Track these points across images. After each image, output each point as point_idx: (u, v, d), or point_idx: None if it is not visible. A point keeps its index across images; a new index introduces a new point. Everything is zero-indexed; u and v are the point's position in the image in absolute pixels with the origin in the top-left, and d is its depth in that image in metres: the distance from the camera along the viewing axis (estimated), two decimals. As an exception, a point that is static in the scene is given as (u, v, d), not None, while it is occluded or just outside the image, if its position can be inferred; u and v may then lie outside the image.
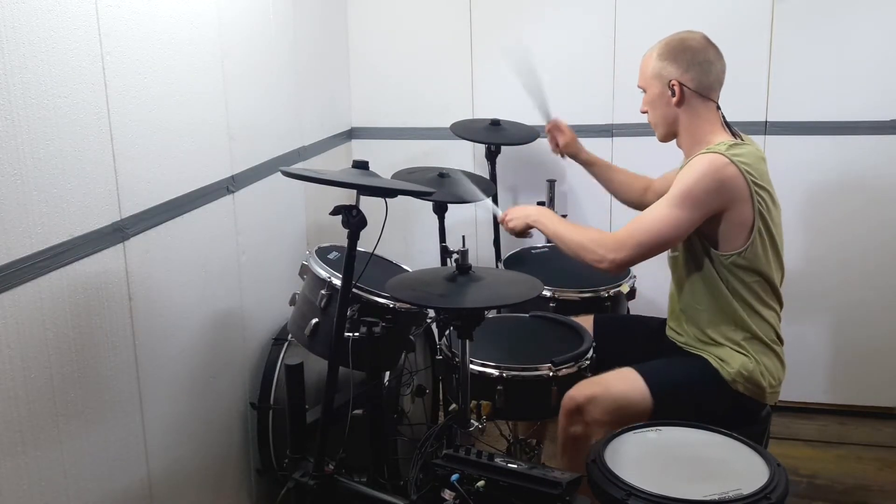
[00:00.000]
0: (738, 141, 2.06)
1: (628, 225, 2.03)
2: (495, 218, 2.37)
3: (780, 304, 2.11)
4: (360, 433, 2.11)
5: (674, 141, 2.16)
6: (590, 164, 2.66)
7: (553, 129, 2.72)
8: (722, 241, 2.01)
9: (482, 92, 3.30)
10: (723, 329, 2.06)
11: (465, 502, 1.62)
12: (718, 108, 2.10)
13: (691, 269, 2.10)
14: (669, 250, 2.13)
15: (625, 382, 2.02)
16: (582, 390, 2.01)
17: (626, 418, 1.88)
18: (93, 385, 1.76)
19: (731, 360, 2.04)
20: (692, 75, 2.05)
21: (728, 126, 2.11)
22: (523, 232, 2.25)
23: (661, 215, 1.97)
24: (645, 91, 2.15)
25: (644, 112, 2.18)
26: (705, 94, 2.06)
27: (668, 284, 2.25)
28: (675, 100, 2.07)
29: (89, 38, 1.72)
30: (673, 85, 2.06)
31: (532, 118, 3.15)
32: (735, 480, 1.60)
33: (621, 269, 2.04)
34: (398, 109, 3.39)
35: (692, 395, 2.01)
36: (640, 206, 2.52)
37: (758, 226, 1.98)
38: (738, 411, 2.04)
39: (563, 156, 2.75)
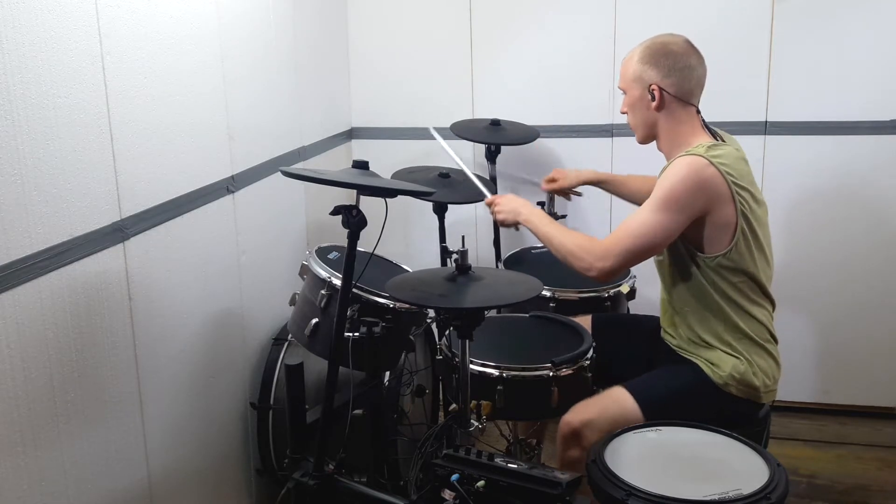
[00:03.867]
0: (718, 142, 2.06)
1: (614, 232, 2.03)
2: (490, 212, 2.35)
3: (772, 302, 2.11)
4: (360, 433, 2.11)
5: (654, 143, 2.16)
6: (602, 183, 2.65)
7: (550, 184, 2.70)
8: (706, 243, 2.00)
9: (482, 92, 3.30)
10: (713, 330, 2.06)
11: (465, 502, 1.62)
12: (698, 111, 2.10)
13: (677, 272, 2.10)
14: (655, 255, 2.13)
15: (618, 404, 2.02)
16: (577, 416, 2.01)
17: None
18: (93, 385, 1.77)
19: (721, 364, 2.04)
20: (672, 80, 2.05)
21: (707, 128, 2.11)
22: (510, 226, 2.25)
23: (645, 221, 1.97)
24: (625, 93, 2.15)
25: (624, 113, 2.18)
26: (685, 98, 2.06)
27: (667, 284, 2.25)
28: (654, 104, 2.06)
29: (89, 38, 1.72)
30: (653, 89, 2.06)
31: (532, 118, 3.16)
32: (735, 480, 1.60)
33: (609, 277, 2.02)
34: (398, 109, 3.39)
35: (686, 405, 2.00)
36: None
37: (741, 226, 1.97)
38: (735, 414, 2.03)
39: (567, 198, 2.74)
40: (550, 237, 2.11)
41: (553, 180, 2.70)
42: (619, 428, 1.83)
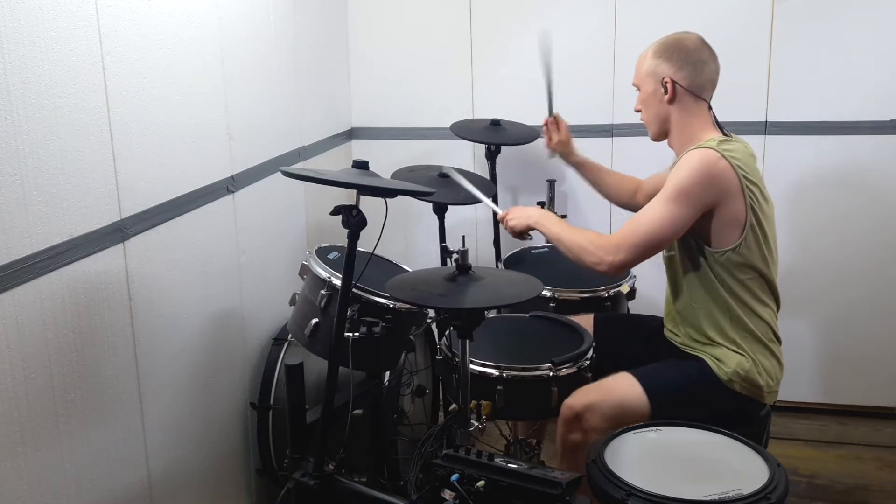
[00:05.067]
0: (729, 138, 2.07)
1: (625, 226, 2.04)
2: (495, 216, 2.37)
3: (777, 302, 2.12)
4: (360, 433, 2.11)
5: (667, 141, 2.17)
6: (580, 166, 2.67)
7: (550, 125, 2.71)
8: (715, 237, 2.01)
9: (482, 92, 3.30)
10: (719, 327, 2.06)
11: (465, 502, 1.62)
12: (710, 108, 2.11)
13: (686, 267, 2.10)
14: (664, 250, 2.13)
15: (622, 388, 2.02)
16: (580, 398, 2.01)
17: (624, 424, 1.87)
18: (93, 385, 1.77)
19: (727, 360, 2.04)
20: (685, 74, 2.06)
21: (719, 125, 2.12)
22: (523, 233, 2.25)
23: (656, 214, 1.98)
24: (639, 89, 2.17)
25: (638, 111, 2.20)
26: (697, 93, 2.08)
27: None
28: (667, 97, 2.08)
29: (89, 38, 1.72)
30: (666, 82, 2.07)
31: (532, 118, 3.15)
32: (735, 480, 1.60)
33: (620, 270, 2.04)
34: (398, 109, 3.39)
35: (690, 397, 2.02)
36: (630, 207, 2.55)
37: (750, 221, 1.98)
38: (737, 412, 2.04)
39: (551, 154, 2.74)
40: (560, 236, 2.12)
41: (555, 126, 2.69)
42: (622, 412, 1.83)
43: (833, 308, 3.16)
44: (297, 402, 2.03)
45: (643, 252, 2.00)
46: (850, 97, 2.98)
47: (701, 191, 1.95)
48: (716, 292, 2.04)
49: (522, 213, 2.24)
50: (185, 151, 2.10)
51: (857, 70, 2.96)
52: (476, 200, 2.48)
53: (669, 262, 2.18)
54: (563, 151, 2.69)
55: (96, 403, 1.78)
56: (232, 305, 2.39)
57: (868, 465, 2.91)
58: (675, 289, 2.17)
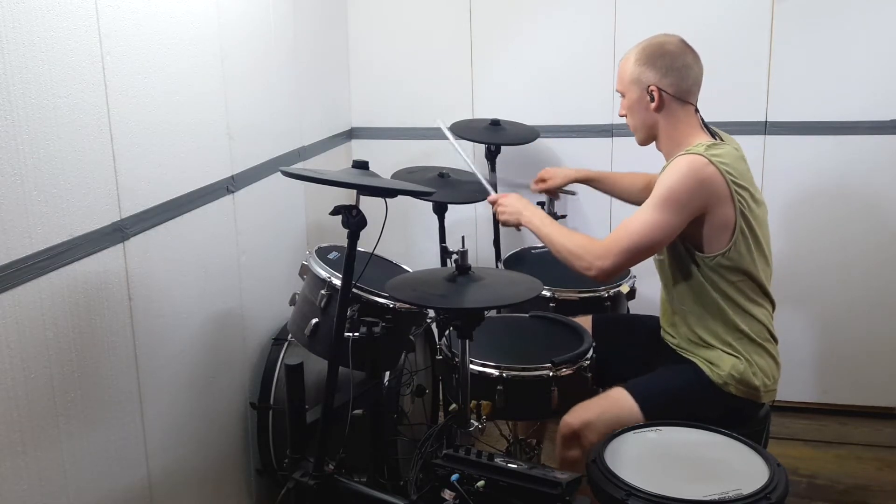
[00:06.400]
0: (717, 141, 2.06)
1: (614, 231, 2.04)
2: (493, 210, 2.35)
3: (772, 302, 2.11)
4: (360, 433, 2.11)
5: (654, 144, 2.17)
6: (590, 182, 2.65)
7: (540, 185, 2.69)
8: (705, 243, 2.01)
9: (482, 92, 3.30)
10: (713, 330, 2.06)
11: (465, 502, 1.62)
12: (697, 110, 2.11)
13: (677, 271, 2.10)
14: (655, 254, 2.13)
15: (617, 405, 2.02)
16: (577, 416, 2.01)
17: None
18: (93, 385, 1.77)
19: (720, 364, 2.04)
20: (670, 80, 2.05)
21: (707, 127, 2.11)
22: (512, 227, 2.25)
23: (644, 220, 1.97)
24: (623, 95, 2.15)
25: (623, 116, 2.18)
26: (684, 98, 2.06)
27: (667, 284, 2.25)
28: (653, 105, 2.07)
29: (89, 38, 1.72)
30: (651, 90, 2.06)
31: (532, 118, 3.16)
32: (735, 480, 1.60)
33: (610, 276, 2.02)
34: (398, 109, 3.39)
35: (686, 404, 2.00)
36: None
37: (740, 225, 1.98)
38: (735, 414, 2.03)
39: (556, 197, 2.72)
40: (551, 238, 2.11)
41: (542, 180, 2.69)
42: (619, 429, 1.83)
43: (832, 307, 3.16)
44: (297, 402, 2.03)
45: (632, 257, 2.00)
46: (849, 97, 2.98)
47: (689, 197, 1.95)
48: (707, 296, 2.04)
49: (515, 207, 2.22)
50: (185, 151, 2.10)
51: (857, 70, 2.95)
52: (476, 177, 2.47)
53: (660, 266, 2.17)
54: (566, 183, 2.66)
55: (96, 403, 1.78)
56: (232, 305, 2.39)
57: (868, 465, 2.91)
58: (668, 292, 2.17)
